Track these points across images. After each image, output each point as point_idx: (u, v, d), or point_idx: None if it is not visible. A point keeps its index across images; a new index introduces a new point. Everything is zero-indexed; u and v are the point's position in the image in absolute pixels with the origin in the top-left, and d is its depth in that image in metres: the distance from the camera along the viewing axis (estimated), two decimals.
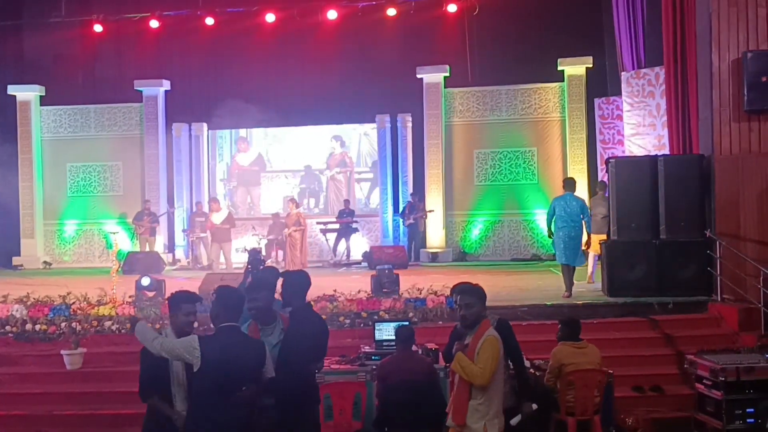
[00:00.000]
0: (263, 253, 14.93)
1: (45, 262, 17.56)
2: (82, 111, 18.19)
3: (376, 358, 7.05)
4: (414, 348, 6.84)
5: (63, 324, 8.98)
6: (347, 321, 9.12)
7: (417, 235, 16.62)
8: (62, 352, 8.55)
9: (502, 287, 11.20)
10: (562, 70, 16.49)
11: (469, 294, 5.02)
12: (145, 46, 17.89)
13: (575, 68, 16.37)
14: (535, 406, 5.72)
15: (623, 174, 10.39)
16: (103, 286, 9.91)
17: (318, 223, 17.23)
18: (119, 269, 11.00)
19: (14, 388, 7.88)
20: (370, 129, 18.17)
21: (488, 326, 4.89)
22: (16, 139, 17.70)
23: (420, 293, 9.60)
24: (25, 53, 18.46)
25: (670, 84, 11.94)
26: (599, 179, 15.21)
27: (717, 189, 9.79)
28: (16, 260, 17.45)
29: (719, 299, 9.47)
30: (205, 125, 18.29)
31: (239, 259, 14.88)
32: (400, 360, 6.56)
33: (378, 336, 7.42)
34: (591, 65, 16.27)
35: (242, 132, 18.75)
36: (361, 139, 18.49)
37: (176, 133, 18.14)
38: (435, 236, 16.88)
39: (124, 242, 16.05)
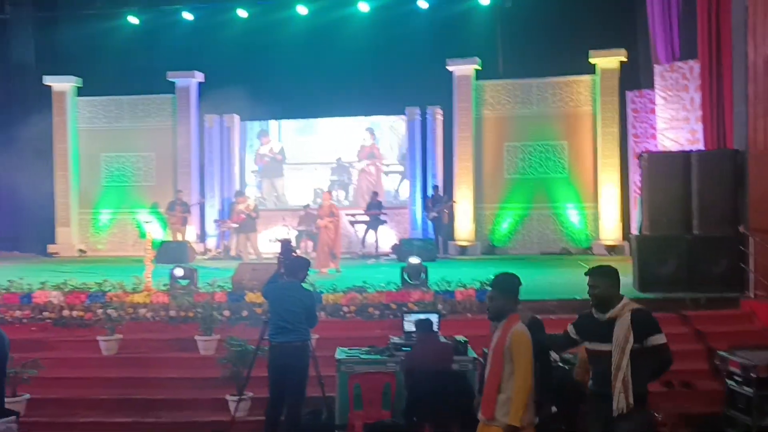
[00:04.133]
0: (293, 243, 15.11)
1: (80, 250, 17.90)
2: (117, 102, 18.47)
3: (406, 348, 7.11)
4: (436, 333, 6.98)
5: (99, 311, 9.16)
6: (376, 312, 9.21)
7: (442, 227, 16.57)
8: (98, 338, 8.74)
9: (531, 281, 11.14)
10: (594, 63, 16.36)
11: (494, 287, 5.04)
12: (178, 38, 18.10)
13: (608, 61, 16.24)
14: (554, 409, 5.68)
15: (656, 168, 10.32)
16: (137, 275, 10.10)
17: (347, 215, 17.34)
18: (153, 258, 11.16)
19: (52, 372, 8.06)
20: (396, 121, 18.19)
21: (516, 321, 4.85)
22: (51, 129, 18.01)
23: (449, 286, 9.65)
24: (62, 45, 18.75)
25: (704, 78, 11.81)
26: (631, 174, 15.14)
27: (751, 184, 9.69)
28: (51, 248, 17.80)
29: (752, 295, 9.38)
30: (236, 116, 18.47)
31: (269, 249, 15.06)
32: (424, 350, 6.64)
33: (407, 327, 7.48)
34: (624, 58, 16.13)
35: (265, 124, 18.89)
36: (389, 131, 18.53)
37: (208, 124, 18.35)
38: (464, 229, 16.89)
39: (156, 231, 16.28)
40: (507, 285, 5.00)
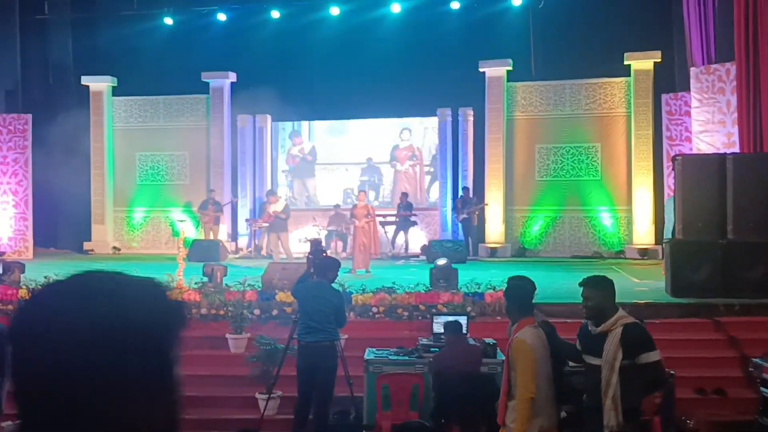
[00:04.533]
0: (323, 243, 15.18)
1: (114, 247, 18.17)
2: (152, 102, 18.71)
3: (434, 350, 7.12)
4: (465, 335, 6.96)
5: None
6: (405, 313, 9.22)
7: (471, 229, 16.50)
8: None
9: (563, 284, 11.10)
10: (629, 65, 16.19)
11: (505, 291, 5.03)
12: (212, 39, 18.29)
13: (642, 63, 16.07)
14: (564, 414, 5.58)
15: (690, 172, 10.19)
16: (170, 273, 10.21)
17: (377, 215, 17.35)
18: (186, 257, 11.30)
19: None
20: (432, 122, 18.16)
21: (523, 327, 4.76)
22: (88, 128, 18.30)
23: (478, 288, 9.62)
24: (99, 45, 19.07)
25: (741, 80, 11.64)
26: (665, 178, 14.97)
27: None
28: (87, 245, 18.08)
29: None
30: (269, 117, 18.60)
31: (299, 249, 15.15)
32: (453, 352, 6.64)
33: (436, 329, 7.49)
34: (659, 60, 15.94)
35: (297, 125, 18.99)
36: (426, 132, 18.50)
37: (241, 124, 18.50)
38: (494, 231, 16.81)
39: (189, 230, 16.45)
40: (511, 288, 4.94)
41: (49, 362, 1.02)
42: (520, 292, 4.90)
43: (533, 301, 5.04)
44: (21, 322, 1.08)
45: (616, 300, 5.04)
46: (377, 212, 17.37)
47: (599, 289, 4.86)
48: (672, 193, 13.45)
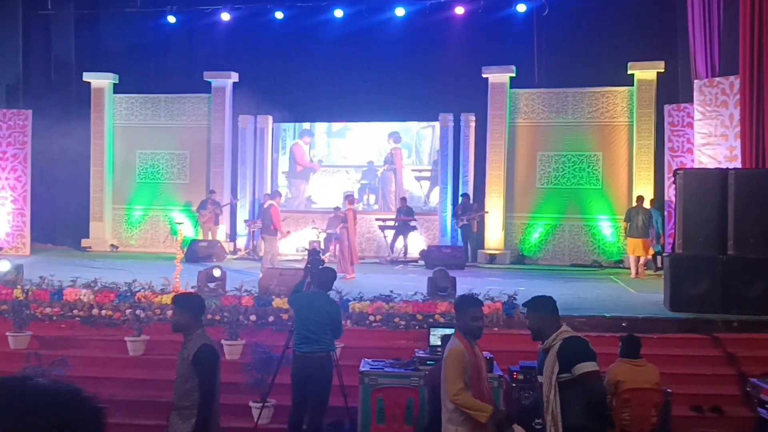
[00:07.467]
0: (322, 246, 15.13)
1: (112, 245, 18.10)
2: (153, 100, 18.63)
3: (431, 363, 7.06)
4: None
5: (128, 311, 9.24)
6: (402, 322, 9.16)
7: (471, 235, 16.48)
8: (126, 338, 8.80)
9: (560, 294, 10.99)
10: (632, 74, 16.14)
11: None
12: (215, 38, 18.24)
13: (646, 73, 16.02)
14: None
15: (691, 186, 10.15)
16: (166, 274, 10.16)
17: (377, 219, 17.31)
18: (183, 258, 11.23)
19: (79, 371, 8.10)
20: (424, 127, 18.07)
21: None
22: (89, 125, 18.23)
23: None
24: (101, 42, 19.02)
25: (745, 94, 11.60)
26: (666, 188, 14.95)
27: None
28: (84, 242, 18.03)
29: None
30: (270, 118, 18.52)
31: (287, 251, 15.15)
32: None
33: (433, 341, 7.42)
34: (663, 70, 15.89)
35: (305, 125, 18.90)
36: (423, 136, 18.44)
37: (242, 125, 18.42)
38: (494, 238, 16.77)
39: (188, 230, 16.39)
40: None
41: None
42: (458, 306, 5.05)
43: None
44: None
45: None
46: (378, 216, 17.37)
47: (534, 310, 5.01)
48: (672, 204, 13.44)
